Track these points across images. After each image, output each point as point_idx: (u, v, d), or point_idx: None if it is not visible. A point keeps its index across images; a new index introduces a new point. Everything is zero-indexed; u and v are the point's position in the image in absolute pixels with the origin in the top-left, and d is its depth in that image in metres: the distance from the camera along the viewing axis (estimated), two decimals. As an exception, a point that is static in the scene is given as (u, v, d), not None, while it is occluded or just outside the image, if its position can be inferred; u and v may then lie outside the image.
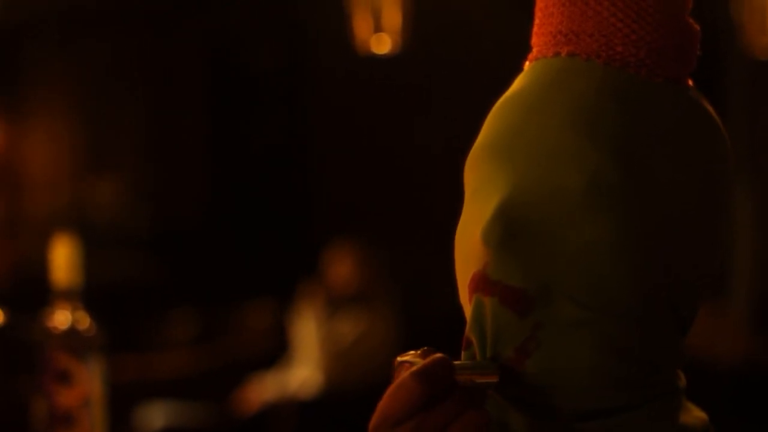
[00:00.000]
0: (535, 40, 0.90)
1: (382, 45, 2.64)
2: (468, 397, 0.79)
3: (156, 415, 4.56)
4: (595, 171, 0.82)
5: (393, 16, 2.63)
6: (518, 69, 0.92)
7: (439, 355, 0.80)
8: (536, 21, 0.90)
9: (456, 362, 0.81)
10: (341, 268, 4.41)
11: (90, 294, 1.64)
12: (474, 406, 0.79)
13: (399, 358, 0.81)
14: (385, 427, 0.78)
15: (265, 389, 4.40)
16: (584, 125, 0.83)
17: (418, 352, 0.82)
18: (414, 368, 0.79)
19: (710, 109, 0.89)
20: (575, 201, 0.82)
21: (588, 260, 0.82)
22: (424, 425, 0.78)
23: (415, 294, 5.42)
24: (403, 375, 0.79)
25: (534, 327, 0.82)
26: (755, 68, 4.95)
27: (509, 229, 0.83)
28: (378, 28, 2.64)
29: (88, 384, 1.57)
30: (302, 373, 4.26)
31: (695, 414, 0.88)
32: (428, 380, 0.78)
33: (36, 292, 2.15)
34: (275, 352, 4.76)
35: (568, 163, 0.83)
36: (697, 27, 0.89)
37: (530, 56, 0.90)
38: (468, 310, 0.86)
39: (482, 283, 0.84)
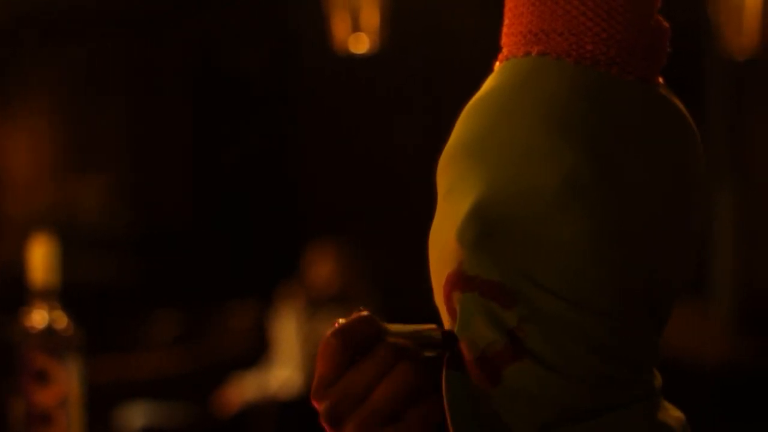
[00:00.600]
0: (504, 40, 0.90)
1: (361, 45, 2.65)
2: (396, 352, 0.78)
3: (136, 415, 4.55)
4: (569, 170, 0.82)
5: (371, 16, 2.63)
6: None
7: (363, 314, 0.80)
8: (506, 21, 0.90)
9: (393, 325, 0.80)
10: (322, 268, 4.41)
11: (72, 294, 1.64)
12: (405, 364, 0.77)
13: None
14: (320, 390, 0.78)
15: (246, 389, 4.40)
16: (556, 125, 0.83)
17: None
18: (333, 328, 0.79)
19: (682, 107, 0.89)
20: (550, 200, 0.82)
21: (564, 259, 0.82)
22: (353, 382, 0.77)
23: (396, 294, 5.43)
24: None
25: (520, 320, 0.82)
26: (733, 69, 4.97)
27: (484, 229, 0.83)
28: (356, 28, 2.64)
29: (65, 384, 1.57)
30: (283, 374, 4.26)
31: (672, 414, 0.88)
32: (346, 335, 0.78)
33: (14, 292, 2.14)
34: (256, 352, 4.76)
35: (541, 163, 0.83)
36: (667, 25, 0.90)
37: (500, 56, 0.91)
38: (443, 311, 0.86)
39: (459, 281, 0.84)
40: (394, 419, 0.77)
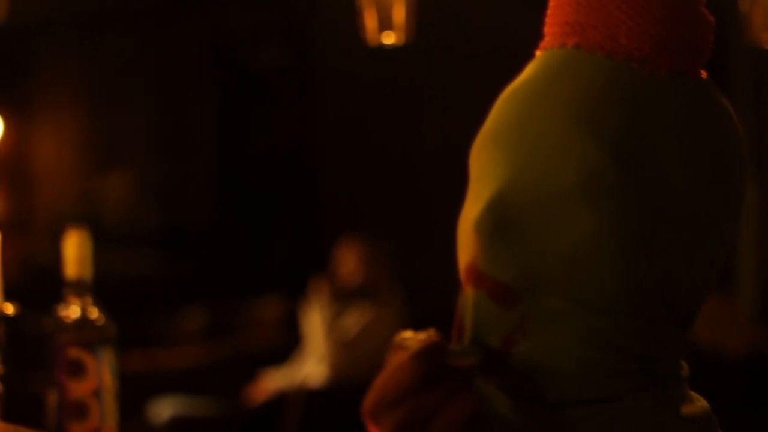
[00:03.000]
0: (546, 29, 0.90)
1: (390, 37, 2.66)
2: (460, 381, 0.80)
3: (165, 408, 4.58)
4: (593, 168, 0.82)
5: (400, 8, 2.64)
6: (524, 62, 0.92)
7: (435, 337, 0.81)
8: (548, 10, 0.90)
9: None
10: (348, 262, 4.43)
11: (100, 289, 1.65)
12: (465, 390, 0.79)
13: (400, 336, 0.81)
14: (381, 408, 0.78)
15: (275, 383, 4.42)
16: (585, 120, 0.83)
17: (420, 333, 0.83)
18: (413, 350, 0.79)
19: (724, 101, 0.87)
20: (570, 197, 0.82)
21: (578, 256, 0.82)
22: (418, 406, 0.78)
23: (421, 288, 5.43)
24: (400, 356, 0.79)
25: (521, 318, 0.83)
26: (761, 59, 4.94)
27: (501, 220, 0.83)
28: (386, 20, 2.66)
29: (99, 375, 1.59)
30: (310, 367, 4.28)
31: (697, 403, 0.88)
32: (426, 362, 0.79)
33: (47, 286, 2.17)
34: (284, 346, 4.78)
35: (566, 159, 0.83)
36: (711, 18, 0.88)
37: (541, 45, 0.90)
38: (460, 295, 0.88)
39: (473, 276, 0.85)
40: None
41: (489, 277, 0.84)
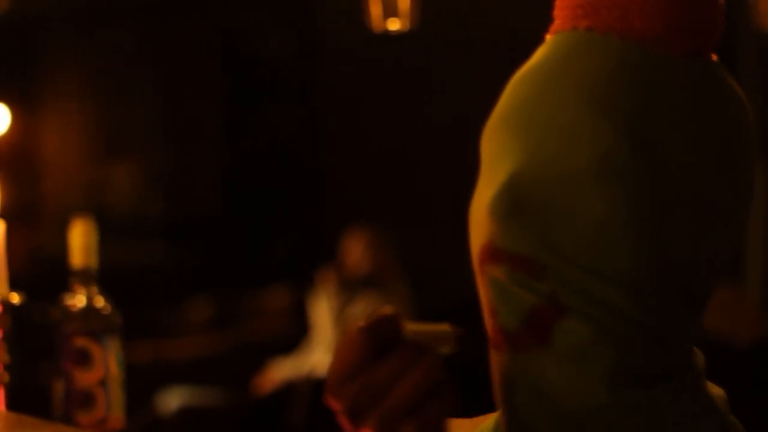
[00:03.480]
0: (556, 12, 0.89)
1: (395, 24, 2.67)
2: (417, 352, 0.79)
3: (173, 398, 4.59)
4: (607, 149, 0.82)
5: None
6: (531, 47, 0.92)
7: (387, 313, 0.80)
8: None
9: (410, 323, 0.81)
10: (355, 252, 4.43)
11: (107, 279, 1.66)
12: (425, 361, 0.78)
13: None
14: (338, 383, 0.78)
15: (282, 373, 4.43)
16: (598, 102, 0.83)
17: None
18: (361, 325, 0.79)
19: (734, 85, 0.88)
20: (586, 178, 0.82)
21: (596, 236, 0.82)
22: (372, 379, 0.78)
23: (428, 278, 5.44)
24: (351, 333, 0.80)
25: (550, 294, 0.83)
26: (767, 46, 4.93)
27: (516, 202, 0.84)
28: (391, 7, 2.66)
29: (105, 364, 1.59)
30: (317, 356, 4.29)
31: (714, 391, 0.89)
32: (372, 334, 0.78)
33: (53, 275, 2.17)
34: (292, 336, 4.78)
35: (579, 140, 0.83)
36: (721, 1, 0.88)
37: (551, 28, 0.90)
38: (478, 280, 0.87)
39: (491, 253, 0.85)
40: (413, 414, 0.78)
41: (509, 252, 0.84)
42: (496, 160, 0.87)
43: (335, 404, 0.79)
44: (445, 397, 0.78)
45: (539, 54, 0.89)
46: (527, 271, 0.83)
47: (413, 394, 0.77)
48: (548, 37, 0.90)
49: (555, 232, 0.83)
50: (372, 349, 0.78)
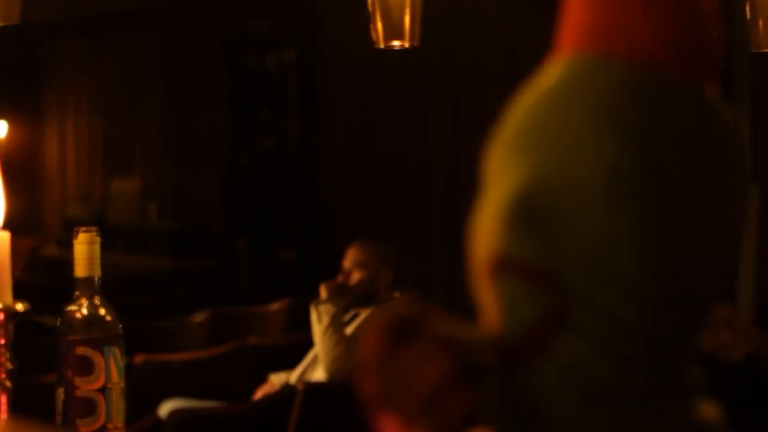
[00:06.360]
0: (562, 34, 0.92)
1: (398, 40, 2.69)
2: (442, 344, 0.81)
3: (173, 407, 4.59)
4: (613, 162, 0.84)
5: (408, 13, 2.67)
6: (532, 66, 0.94)
7: (409, 302, 0.83)
8: (564, 15, 0.92)
9: (452, 323, 0.83)
10: (354, 264, 4.44)
11: (109, 289, 1.67)
12: (449, 352, 0.81)
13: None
14: (365, 371, 0.82)
15: (282, 384, 4.44)
16: (604, 120, 0.85)
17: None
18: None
19: (727, 114, 0.90)
20: (592, 191, 0.85)
21: (602, 248, 0.85)
22: (395, 367, 0.81)
23: (426, 292, 5.45)
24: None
25: (554, 305, 0.85)
26: (763, 63, 4.93)
27: (528, 213, 0.86)
28: (394, 25, 2.68)
29: (106, 373, 1.60)
30: (319, 371, 4.30)
31: (711, 408, 0.91)
32: (396, 323, 0.82)
33: (57, 284, 2.20)
34: (291, 347, 4.79)
35: (586, 154, 0.85)
36: (724, 34, 0.90)
37: (556, 49, 0.92)
38: (485, 292, 0.89)
39: (500, 264, 0.87)
40: (435, 406, 0.80)
41: (517, 261, 0.87)
42: (505, 176, 0.89)
43: (363, 391, 0.82)
44: (468, 390, 0.81)
45: (546, 75, 0.91)
46: (535, 281, 0.86)
47: (436, 383, 0.80)
48: (554, 58, 0.92)
49: (563, 243, 0.86)
50: (397, 337, 0.81)
